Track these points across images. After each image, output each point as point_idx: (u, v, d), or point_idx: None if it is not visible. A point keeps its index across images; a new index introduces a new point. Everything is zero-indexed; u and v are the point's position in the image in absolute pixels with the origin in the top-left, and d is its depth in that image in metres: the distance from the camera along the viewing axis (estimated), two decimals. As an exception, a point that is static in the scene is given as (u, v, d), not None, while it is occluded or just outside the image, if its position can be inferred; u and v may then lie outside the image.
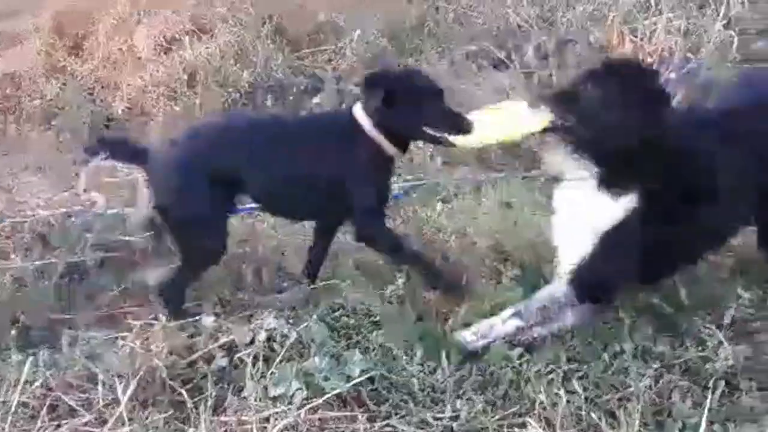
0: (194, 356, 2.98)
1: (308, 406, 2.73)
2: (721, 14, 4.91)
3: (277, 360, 2.92)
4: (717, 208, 3.15)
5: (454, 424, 2.76)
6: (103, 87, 5.27)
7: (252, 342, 3.02)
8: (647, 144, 2.99)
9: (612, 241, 3.10)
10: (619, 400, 2.90)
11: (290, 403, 2.74)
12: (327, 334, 3.13)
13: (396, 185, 4.17)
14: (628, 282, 3.23)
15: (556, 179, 3.31)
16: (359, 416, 2.76)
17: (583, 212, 3.15)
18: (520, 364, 2.99)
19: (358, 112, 3.27)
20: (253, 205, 3.63)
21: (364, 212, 3.31)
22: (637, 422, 2.69)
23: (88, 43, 5.35)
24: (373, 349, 3.09)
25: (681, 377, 3.02)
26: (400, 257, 3.41)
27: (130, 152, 3.36)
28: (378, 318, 3.25)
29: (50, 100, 5.20)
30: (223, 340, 3.04)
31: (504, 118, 3.25)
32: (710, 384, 2.95)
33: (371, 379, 2.91)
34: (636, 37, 4.72)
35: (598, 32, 4.97)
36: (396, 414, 2.81)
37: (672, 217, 3.10)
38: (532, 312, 3.15)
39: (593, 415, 2.74)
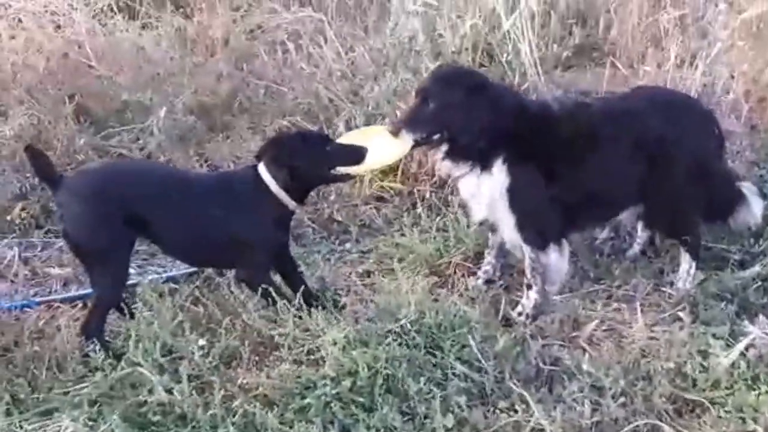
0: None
1: None
2: (515, 83, 5.20)
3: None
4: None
5: None
6: None
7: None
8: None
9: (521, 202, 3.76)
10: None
11: None
12: (132, 433, 2.98)
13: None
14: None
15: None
16: None
17: (485, 192, 3.78)
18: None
19: (264, 173, 3.60)
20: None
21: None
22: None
23: None
24: (181, 446, 2.95)
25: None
26: None
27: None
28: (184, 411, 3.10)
29: None
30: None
31: (378, 144, 3.72)
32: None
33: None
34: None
35: (403, 105, 5.09)
36: None
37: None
38: (530, 277, 3.84)
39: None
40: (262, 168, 3.63)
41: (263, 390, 3.22)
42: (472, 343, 3.40)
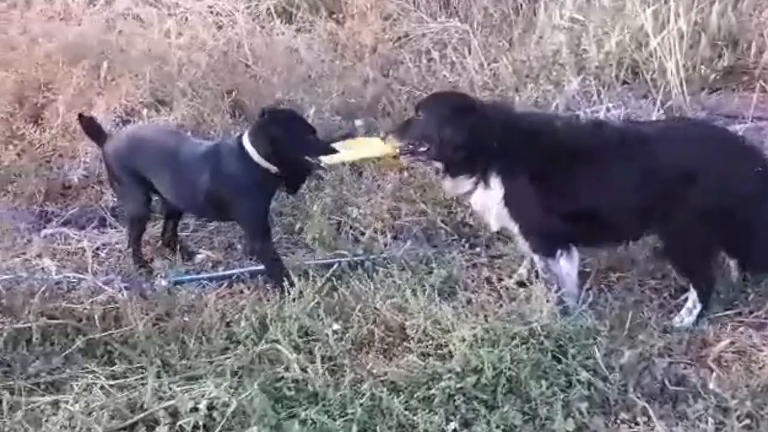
0: (135, 418, 3.06)
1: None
2: (658, 102, 5.18)
3: (217, 430, 2.97)
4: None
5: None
6: (60, 155, 5.31)
7: (195, 409, 3.07)
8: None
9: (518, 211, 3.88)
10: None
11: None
12: (268, 404, 3.19)
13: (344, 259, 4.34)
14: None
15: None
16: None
17: (490, 205, 3.94)
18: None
19: (246, 143, 4.01)
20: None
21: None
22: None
23: (48, 112, 5.41)
24: (312, 423, 3.13)
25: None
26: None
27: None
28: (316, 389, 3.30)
29: (7, 166, 5.22)
30: (165, 403, 3.11)
31: (360, 146, 4.28)
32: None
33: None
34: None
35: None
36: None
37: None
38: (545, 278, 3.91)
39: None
40: (245, 140, 4.03)
41: (391, 377, 3.37)
42: (597, 355, 3.43)
